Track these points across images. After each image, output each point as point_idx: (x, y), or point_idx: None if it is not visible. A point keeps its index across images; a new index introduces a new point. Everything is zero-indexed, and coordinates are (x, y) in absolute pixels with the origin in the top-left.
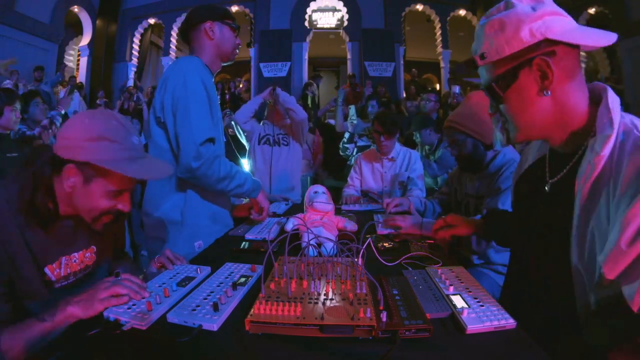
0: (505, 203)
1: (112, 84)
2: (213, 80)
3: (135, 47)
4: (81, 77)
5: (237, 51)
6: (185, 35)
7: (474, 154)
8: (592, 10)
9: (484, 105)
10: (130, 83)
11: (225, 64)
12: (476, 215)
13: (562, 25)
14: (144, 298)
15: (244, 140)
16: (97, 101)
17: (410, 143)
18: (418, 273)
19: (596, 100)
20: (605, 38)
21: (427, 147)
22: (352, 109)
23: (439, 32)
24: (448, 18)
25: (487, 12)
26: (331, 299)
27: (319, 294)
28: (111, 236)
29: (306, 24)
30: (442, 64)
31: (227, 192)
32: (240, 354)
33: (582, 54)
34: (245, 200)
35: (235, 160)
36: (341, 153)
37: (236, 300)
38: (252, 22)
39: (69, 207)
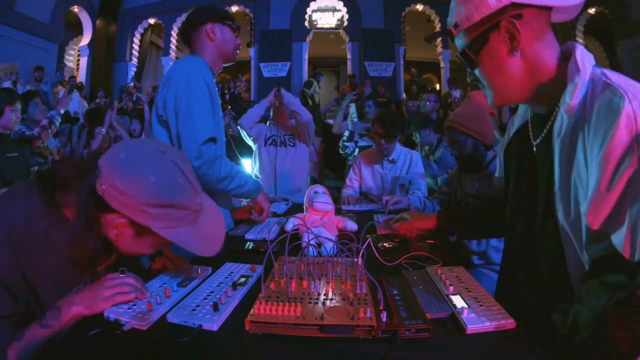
0: None
1: (112, 84)
2: (215, 80)
3: (135, 47)
4: (81, 77)
5: (238, 52)
6: (186, 37)
7: (474, 154)
8: (592, 10)
9: (485, 105)
10: (130, 83)
11: (226, 65)
12: None
13: None
14: (146, 298)
15: (250, 142)
16: (97, 100)
17: (410, 143)
18: (418, 273)
19: (568, 58)
20: None
21: (426, 147)
22: (352, 107)
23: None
24: (448, 18)
25: None
26: (331, 299)
27: (319, 294)
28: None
29: (306, 24)
30: (442, 64)
31: (227, 192)
32: (240, 354)
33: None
34: (244, 202)
35: (236, 160)
36: (340, 151)
37: (236, 300)
38: (252, 22)
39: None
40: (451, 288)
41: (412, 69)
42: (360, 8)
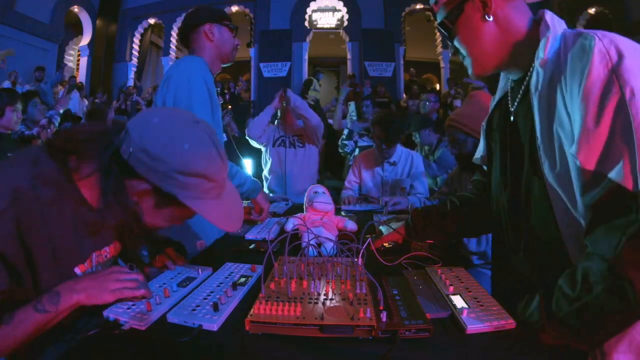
0: None
1: (112, 84)
2: (214, 80)
3: (135, 47)
4: (81, 77)
5: (236, 52)
6: (184, 38)
7: (474, 153)
8: (592, 10)
9: (486, 105)
10: (130, 83)
11: (225, 65)
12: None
13: None
14: (151, 297)
15: (257, 145)
16: (96, 100)
17: (409, 143)
18: (418, 273)
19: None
20: None
21: (426, 148)
22: (351, 106)
23: (439, 32)
24: None
25: None
26: (331, 299)
27: (319, 294)
28: (127, 235)
29: (306, 24)
30: (442, 64)
31: None
32: (240, 354)
33: None
34: (245, 203)
35: (237, 160)
36: (339, 150)
37: (236, 300)
38: (252, 22)
39: None
40: (451, 288)
41: (411, 69)
42: (360, 8)
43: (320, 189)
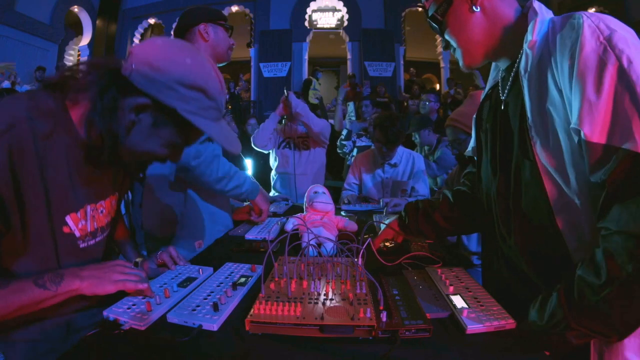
0: None
1: None
2: None
3: None
4: None
5: (231, 51)
6: (180, 38)
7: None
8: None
9: None
10: None
11: (221, 65)
12: None
13: None
14: (153, 297)
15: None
16: None
17: (409, 143)
18: (418, 273)
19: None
20: None
21: (426, 148)
22: (350, 106)
23: (430, 27)
24: None
25: None
26: (331, 299)
27: (319, 294)
28: (128, 182)
29: (306, 24)
30: (442, 64)
31: (225, 193)
32: (240, 354)
33: None
34: (247, 202)
35: (238, 160)
36: (338, 151)
37: (236, 300)
38: (252, 22)
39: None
40: (451, 288)
41: (411, 69)
42: (360, 8)
43: (320, 189)
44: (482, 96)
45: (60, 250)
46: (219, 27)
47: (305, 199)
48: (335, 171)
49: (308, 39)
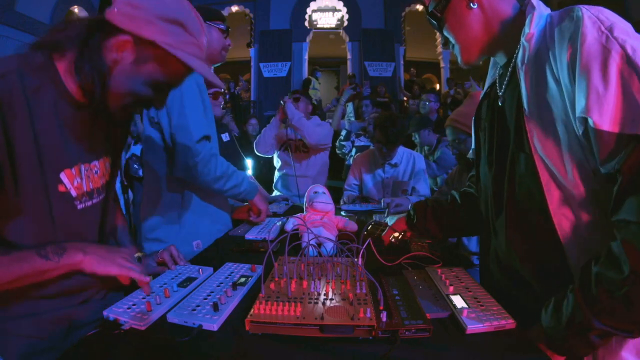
0: None
1: None
2: (204, 81)
3: None
4: None
5: (225, 52)
6: None
7: None
8: None
9: None
10: None
11: (215, 65)
12: None
13: None
14: (149, 295)
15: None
16: None
17: (409, 143)
18: (418, 273)
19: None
20: None
21: (426, 148)
22: (349, 106)
23: (429, 23)
24: None
25: None
26: (331, 299)
27: (319, 294)
28: (120, 146)
29: (306, 24)
30: (442, 64)
31: (223, 192)
32: (240, 354)
33: None
34: (245, 203)
35: (240, 160)
36: (337, 151)
37: (236, 300)
38: (252, 22)
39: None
40: (451, 288)
41: (412, 69)
42: (360, 8)
43: (320, 189)
44: (482, 95)
45: (56, 212)
46: (212, 28)
47: (305, 199)
48: (334, 171)
49: (308, 39)
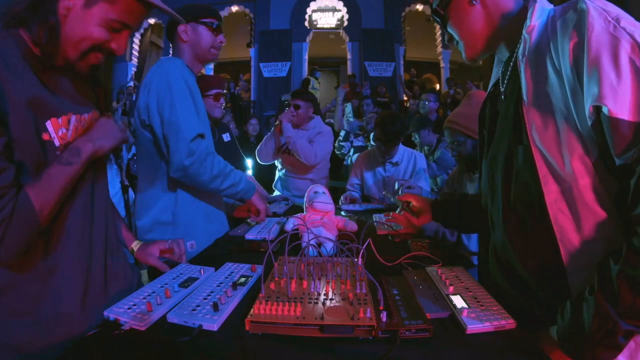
0: None
1: (113, 84)
2: (195, 80)
3: (135, 47)
4: None
5: (216, 50)
6: (170, 40)
7: (473, 154)
8: None
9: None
10: (131, 84)
11: (208, 64)
12: None
13: None
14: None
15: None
16: None
17: (409, 143)
18: (418, 273)
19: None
20: None
21: (426, 148)
22: (348, 107)
23: (438, 32)
24: None
25: None
26: (331, 299)
27: (319, 294)
28: (104, 105)
29: (306, 24)
30: (442, 64)
31: (220, 192)
32: (240, 354)
33: None
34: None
35: (241, 160)
36: (336, 152)
37: (236, 300)
38: (252, 22)
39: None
40: (451, 288)
41: (412, 69)
42: (360, 8)
43: (320, 189)
44: (487, 94)
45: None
46: (201, 26)
47: (305, 199)
48: (334, 171)
49: (308, 39)
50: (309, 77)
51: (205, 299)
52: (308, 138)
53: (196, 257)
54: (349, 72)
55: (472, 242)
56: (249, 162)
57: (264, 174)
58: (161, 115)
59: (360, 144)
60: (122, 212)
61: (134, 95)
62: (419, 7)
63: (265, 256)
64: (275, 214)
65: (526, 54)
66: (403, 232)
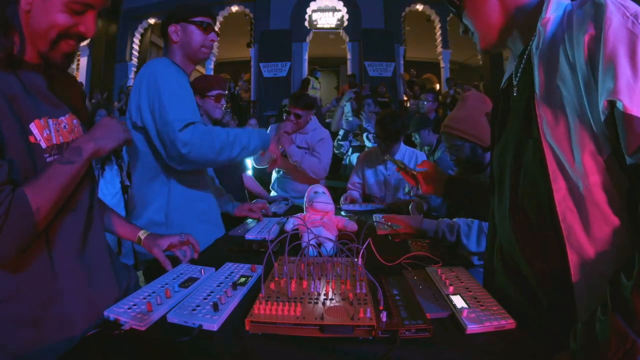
0: None
1: (113, 84)
2: (186, 78)
3: (136, 47)
4: (81, 77)
5: (207, 49)
6: (164, 40)
7: (472, 157)
8: None
9: (480, 106)
10: (130, 83)
11: (201, 63)
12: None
13: None
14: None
15: None
16: (92, 100)
17: (410, 144)
18: (418, 273)
19: None
20: None
21: (426, 148)
22: (347, 106)
23: (438, 32)
24: (448, 18)
25: None
26: (331, 299)
27: (319, 294)
28: (79, 105)
29: (306, 24)
30: (442, 64)
31: (236, 159)
32: (240, 354)
33: None
34: (255, 200)
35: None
36: (335, 151)
37: (236, 300)
38: (252, 22)
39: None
40: (451, 288)
41: (412, 70)
42: (360, 8)
43: (320, 188)
44: (501, 88)
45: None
46: (191, 26)
47: (305, 199)
48: (332, 171)
49: (308, 39)
50: (309, 77)
51: (205, 299)
52: (307, 142)
53: (196, 257)
54: (349, 72)
55: (471, 242)
56: (249, 162)
57: (264, 174)
58: (153, 112)
59: (358, 143)
60: (122, 212)
61: None
62: (419, 7)
63: (265, 256)
64: (275, 214)
65: (540, 46)
66: (403, 232)
